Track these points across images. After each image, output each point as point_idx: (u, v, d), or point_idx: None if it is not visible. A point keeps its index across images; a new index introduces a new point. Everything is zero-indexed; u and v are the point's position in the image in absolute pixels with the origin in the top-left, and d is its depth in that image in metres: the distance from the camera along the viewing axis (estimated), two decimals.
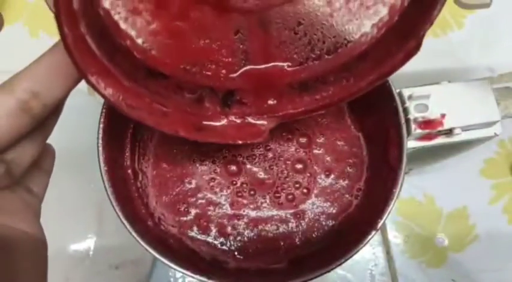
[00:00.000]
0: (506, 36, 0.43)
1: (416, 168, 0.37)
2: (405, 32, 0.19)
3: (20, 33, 0.41)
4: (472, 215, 0.39)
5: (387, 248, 0.38)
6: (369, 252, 0.38)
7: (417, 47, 0.19)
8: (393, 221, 0.39)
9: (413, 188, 0.39)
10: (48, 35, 0.41)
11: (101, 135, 0.25)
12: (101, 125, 0.25)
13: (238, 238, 0.28)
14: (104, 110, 0.25)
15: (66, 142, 0.37)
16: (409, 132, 0.25)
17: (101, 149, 0.24)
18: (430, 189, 0.39)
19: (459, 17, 0.43)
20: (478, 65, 0.42)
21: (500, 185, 0.39)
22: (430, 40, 0.42)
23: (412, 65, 0.42)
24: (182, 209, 0.28)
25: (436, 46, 0.42)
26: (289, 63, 0.21)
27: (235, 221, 0.28)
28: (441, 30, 0.43)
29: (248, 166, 0.29)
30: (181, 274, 0.34)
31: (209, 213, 0.28)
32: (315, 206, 0.28)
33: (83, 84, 0.40)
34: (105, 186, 0.24)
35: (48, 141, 0.36)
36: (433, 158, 0.34)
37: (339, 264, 0.23)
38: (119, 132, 0.27)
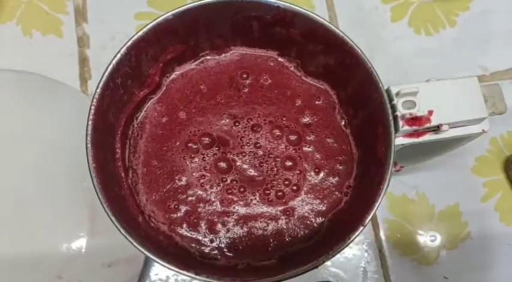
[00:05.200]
0: (498, 35, 0.43)
1: (408, 166, 0.38)
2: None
3: (13, 32, 0.41)
4: (464, 212, 0.39)
5: (379, 246, 0.38)
6: (361, 250, 0.38)
7: None
8: (385, 219, 0.39)
9: (406, 186, 0.39)
10: (41, 33, 0.41)
11: (89, 132, 0.25)
12: (90, 122, 0.25)
13: (228, 235, 0.28)
14: (92, 107, 0.25)
15: (59, 140, 0.37)
16: (396, 129, 0.25)
17: (89, 146, 0.25)
18: (423, 187, 0.39)
19: (451, 15, 0.43)
20: (471, 64, 0.42)
21: (492, 183, 0.39)
22: (422, 38, 0.43)
23: (405, 64, 0.42)
24: (172, 206, 0.28)
25: (428, 44, 0.42)
26: None
27: (225, 218, 0.28)
28: (433, 28, 0.43)
29: (238, 163, 0.29)
30: (173, 272, 0.34)
31: (199, 210, 0.28)
32: (304, 203, 0.28)
33: (75, 81, 0.41)
34: (93, 183, 0.24)
35: (41, 138, 0.37)
36: (423, 156, 0.34)
37: (326, 260, 0.23)
38: (109, 130, 0.27)
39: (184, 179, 0.28)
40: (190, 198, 0.28)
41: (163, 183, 0.28)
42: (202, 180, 0.28)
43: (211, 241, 0.28)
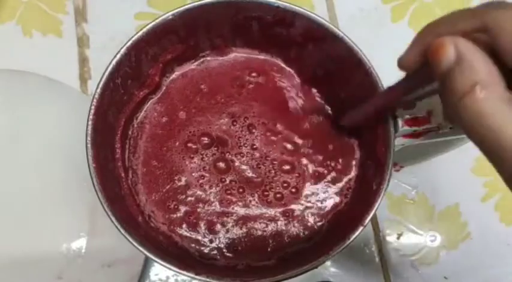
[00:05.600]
0: None
1: (408, 165, 0.38)
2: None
3: (13, 31, 0.41)
4: (464, 212, 0.39)
5: (379, 246, 0.38)
6: (361, 250, 0.38)
7: None
8: (385, 219, 0.39)
9: (406, 185, 0.39)
10: (41, 33, 0.41)
11: (89, 133, 0.25)
12: (90, 122, 0.25)
13: (227, 235, 0.28)
14: (92, 107, 0.25)
15: (59, 140, 0.37)
16: (396, 129, 0.25)
17: (89, 146, 0.25)
18: (422, 187, 0.39)
19: None
20: None
21: (492, 183, 0.39)
22: None
23: None
24: (172, 206, 0.28)
25: None
26: None
27: (224, 219, 0.28)
28: None
29: (236, 164, 0.29)
30: (173, 272, 0.34)
31: (198, 210, 0.28)
32: (304, 205, 0.28)
33: (75, 81, 0.41)
34: (93, 183, 0.24)
35: (41, 138, 0.37)
36: (423, 156, 0.34)
37: (326, 260, 0.23)
38: (109, 130, 0.27)
39: (183, 179, 0.28)
40: (189, 199, 0.28)
41: (163, 184, 0.28)
42: (201, 181, 0.28)
43: (211, 241, 0.28)
